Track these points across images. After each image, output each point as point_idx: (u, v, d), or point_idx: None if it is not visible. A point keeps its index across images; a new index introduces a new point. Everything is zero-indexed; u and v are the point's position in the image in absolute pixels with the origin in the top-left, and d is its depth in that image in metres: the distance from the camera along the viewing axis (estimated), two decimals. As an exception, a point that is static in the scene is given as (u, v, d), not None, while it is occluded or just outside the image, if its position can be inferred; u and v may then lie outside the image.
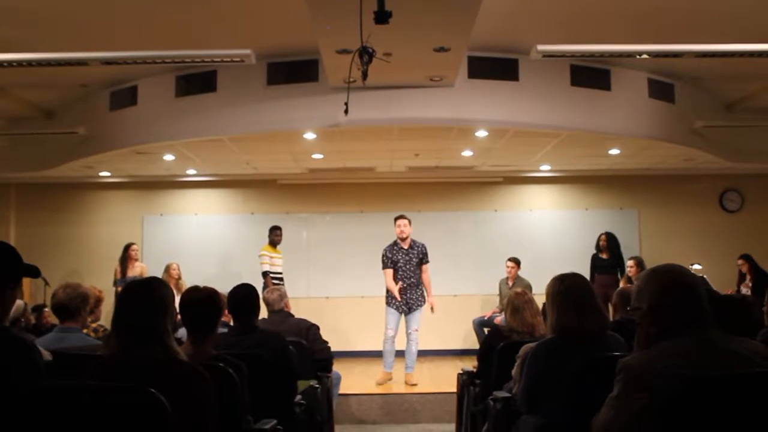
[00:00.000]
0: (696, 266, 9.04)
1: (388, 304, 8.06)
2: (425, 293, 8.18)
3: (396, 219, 8.16)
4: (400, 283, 7.99)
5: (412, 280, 8.06)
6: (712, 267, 9.79)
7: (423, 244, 8.23)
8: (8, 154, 9.74)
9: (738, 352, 2.33)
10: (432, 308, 8.15)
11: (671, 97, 8.42)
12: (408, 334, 8.05)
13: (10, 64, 6.63)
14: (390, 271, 8.10)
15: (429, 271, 8.24)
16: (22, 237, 10.97)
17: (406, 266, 8.07)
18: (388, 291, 8.07)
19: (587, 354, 3.05)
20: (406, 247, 8.11)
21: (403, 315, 8.07)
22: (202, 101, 7.86)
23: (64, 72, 7.34)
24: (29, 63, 6.67)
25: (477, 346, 8.33)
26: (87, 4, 6.06)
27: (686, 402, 2.14)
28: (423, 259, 8.18)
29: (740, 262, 9.92)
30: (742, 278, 9.90)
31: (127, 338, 2.58)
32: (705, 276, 8.46)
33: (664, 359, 2.29)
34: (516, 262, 10.01)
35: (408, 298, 8.03)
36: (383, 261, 8.15)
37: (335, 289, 10.97)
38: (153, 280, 2.83)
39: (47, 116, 9.29)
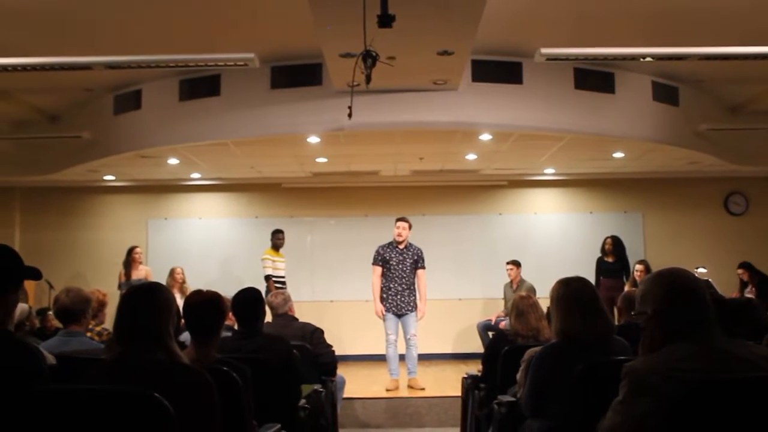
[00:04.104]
0: (701, 269, 9.01)
1: (384, 306, 8.04)
2: (418, 299, 8.12)
3: (396, 220, 8.15)
4: (393, 285, 7.99)
5: (404, 281, 8.01)
6: (718, 270, 9.76)
7: (420, 249, 8.19)
8: (13, 158, 9.75)
9: (743, 356, 2.32)
10: (418, 316, 8.07)
11: (675, 100, 8.41)
12: (407, 340, 8.02)
13: (15, 68, 6.64)
14: (378, 269, 8.08)
15: (425, 278, 8.16)
16: (27, 241, 11.00)
17: (399, 266, 8.03)
18: (381, 291, 8.05)
19: (592, 358, 3.04)
20: (401, 247, 8.09)
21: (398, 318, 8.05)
22: (206, 105, 7.86)
23: (69, 76, 7.35)
24: (34, 67, 6.68)
25: (481, 350, 8.34)
26: (91, 8, 6.07)
27: (691, 407, 2.12)
28: (418, 262, 8.12)
29: (740, 271, 9.84)
30: (743, 286, 9.83)
31: (129, 342, 2.58)
32: (710, 279, 8.44)
33: (669, 363, 2.28)
34: (516, 264, 9.98)
35: (399, 300, 7.99)
36: (374, 257, 8.14)
37: (339, 293, 10.99)
38: (154, 284, 2.83)
39: (52, 120, 9.31)
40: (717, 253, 10.74)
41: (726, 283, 9.45)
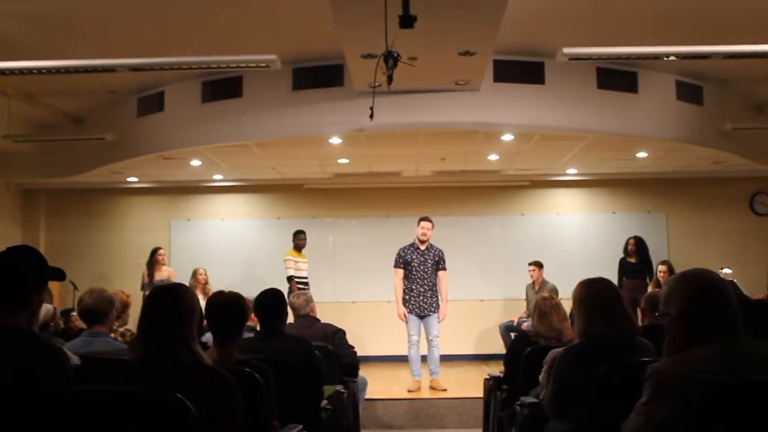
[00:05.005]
0: (726, 270, 8.92)
1: (406, 308, 8.04)
2: (440, 300, 8.11)
3: (420, 220, 8.15)
4: (415, 286, 7.97)
5: (426, 283, 8.01)
6: (743, 271, 9.65)
7: (440, 250, 8.18)
8: (38, 160, 9.86)
9: (770, 357, 2.29)
10: (440, 317, 8.08)
11: (699, 99, 8.33)
12: (429, 341, 8.02)
13: (39, 71, 6.69)
14: (400, 271, 8.09)
15: (446, 279, 8.15)
16: (52, 242, 11.10)
17: (420, 267, 8.02)
18: (404, 293, 8.05)
19: (615, 359, 3.02)
20: (422, 248, 8.08)
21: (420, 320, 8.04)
22: (228, 107, 7.90)
23: (93, 79, 7.41)
24: (58, 70, 6.72)
25: (503, 351, 8.30)
26: (114, 11, 6.12)
27: (716, 409, 2.10)
28: (439, 263, 8.11)
29: None
30: (773, 283, 9.74)
31: (152, 343, 2.59)
32: (735, 280, 8.34)
33: (694, 365, 2.26)
34: (538, 264, 9.95)
35: (422, 302, 7.98)
36: (396, 259, 8.14)
37: (361, 294, 11.00)
38: (177, 286, 2.83)
39: (76, 123, 9.40)
40: (742, 254, 10.63)
41: (751, 284, 9.33)
